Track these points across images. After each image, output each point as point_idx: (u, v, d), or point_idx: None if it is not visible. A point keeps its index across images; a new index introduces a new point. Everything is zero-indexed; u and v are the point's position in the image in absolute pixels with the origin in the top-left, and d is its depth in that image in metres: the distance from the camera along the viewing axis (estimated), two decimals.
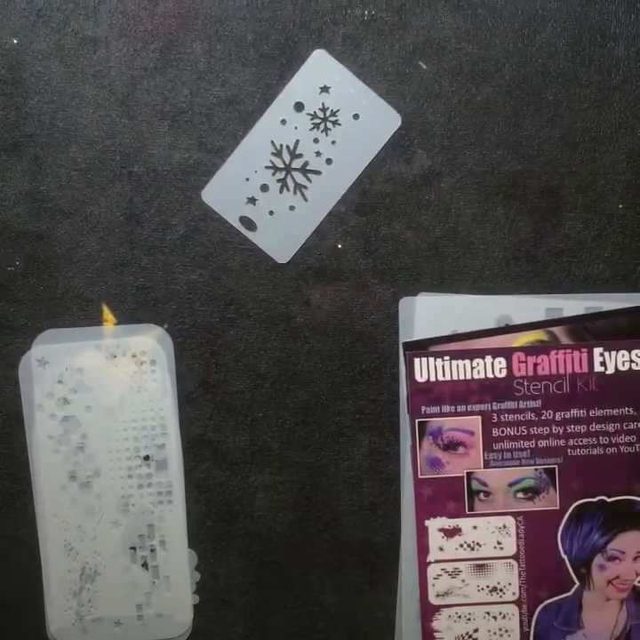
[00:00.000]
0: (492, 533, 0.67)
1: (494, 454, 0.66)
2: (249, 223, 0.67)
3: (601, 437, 0.66)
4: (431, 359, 0.66)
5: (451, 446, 0.66)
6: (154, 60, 0.65)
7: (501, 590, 0.67)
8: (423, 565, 0.67)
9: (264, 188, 0.66)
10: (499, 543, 0.67)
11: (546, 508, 0.66)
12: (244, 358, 0.67)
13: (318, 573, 0.69)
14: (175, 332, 0.67)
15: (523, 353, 0.65)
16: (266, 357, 0.67)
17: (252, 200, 0.67)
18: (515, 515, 0.66)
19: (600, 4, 0.66)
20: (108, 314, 0.67)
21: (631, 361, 0.65)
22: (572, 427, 0.66)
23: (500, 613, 0.67)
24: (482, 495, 0.66)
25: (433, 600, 0.67)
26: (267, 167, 0.66)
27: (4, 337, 0.67)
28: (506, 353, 0.66)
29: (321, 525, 0.68)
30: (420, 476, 0.66)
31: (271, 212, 0.67)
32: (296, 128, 0.66)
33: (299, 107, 0.66)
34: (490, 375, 0.66)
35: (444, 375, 0.66)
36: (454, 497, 0.66)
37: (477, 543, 0.67)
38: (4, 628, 0.69)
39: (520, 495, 0.66)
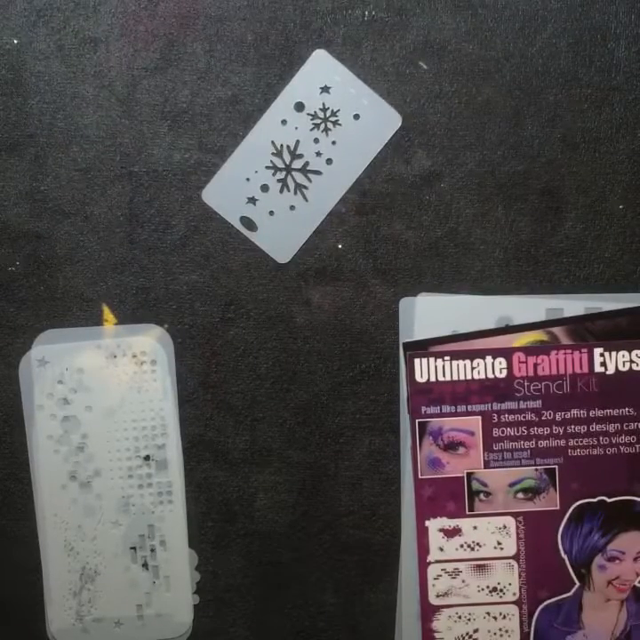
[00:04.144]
0: (493, 534, 0.67)
1: (494, 454, 0.66)
2: (249, 223, 0.67)
3: (601, 438, 0.66)
4: (431, 359, 0.66)
5: (451, 446, 0.66)
6: (154, 60, 0.65)
7: (501, 590, 0.67)
8: (423, 565, 0.67)
9: (264, 188, 0.66)
10: (499, 543, 0.67)
11: (546, 509, 0.66)
12: (245, 358, 0.67)
13: (318, 573, 0.69)
14: (175, 332, 0.67)
15: (523, 353, 0.65)
16: (266, 357, 0.67)
17: (253, 200, 0.67)
18: (515, 515, 0.66)
19: (601, 4, 0.66)
20: (108, 314, 0.67)
21: (631, 361, 0.65)
22: (573, 427, 0.66)
23: (501, 614, 0.67)
24: (482, 495, 0.66)
25: (433, 600, 0.67)
26: (267, 167, 0.66)
27: (5, 337, 0.67)
28: (506, 353, 0.66)
29: (321, 525, 0.68)
30: (420, 477, 0.66)
31: (271, 213, 0.67)
32: (296, 128, 0.66)
33: (299, 107, 0.66)
34: (490, 375, 0.66)
35: (444, 375, 0.66)
36: (454, 497, 0.66)
37: (477, 543, 0.67)
38: (5, 628, 0.69)
39: (520, 495, 0.66)
